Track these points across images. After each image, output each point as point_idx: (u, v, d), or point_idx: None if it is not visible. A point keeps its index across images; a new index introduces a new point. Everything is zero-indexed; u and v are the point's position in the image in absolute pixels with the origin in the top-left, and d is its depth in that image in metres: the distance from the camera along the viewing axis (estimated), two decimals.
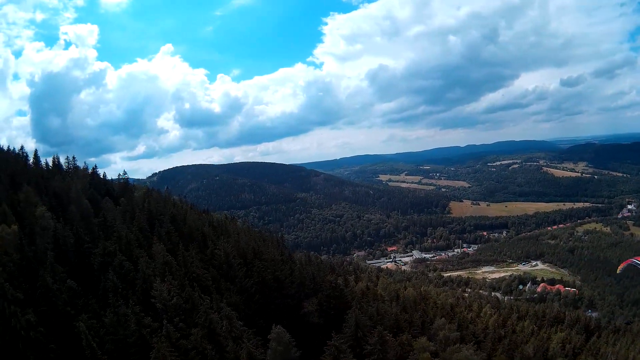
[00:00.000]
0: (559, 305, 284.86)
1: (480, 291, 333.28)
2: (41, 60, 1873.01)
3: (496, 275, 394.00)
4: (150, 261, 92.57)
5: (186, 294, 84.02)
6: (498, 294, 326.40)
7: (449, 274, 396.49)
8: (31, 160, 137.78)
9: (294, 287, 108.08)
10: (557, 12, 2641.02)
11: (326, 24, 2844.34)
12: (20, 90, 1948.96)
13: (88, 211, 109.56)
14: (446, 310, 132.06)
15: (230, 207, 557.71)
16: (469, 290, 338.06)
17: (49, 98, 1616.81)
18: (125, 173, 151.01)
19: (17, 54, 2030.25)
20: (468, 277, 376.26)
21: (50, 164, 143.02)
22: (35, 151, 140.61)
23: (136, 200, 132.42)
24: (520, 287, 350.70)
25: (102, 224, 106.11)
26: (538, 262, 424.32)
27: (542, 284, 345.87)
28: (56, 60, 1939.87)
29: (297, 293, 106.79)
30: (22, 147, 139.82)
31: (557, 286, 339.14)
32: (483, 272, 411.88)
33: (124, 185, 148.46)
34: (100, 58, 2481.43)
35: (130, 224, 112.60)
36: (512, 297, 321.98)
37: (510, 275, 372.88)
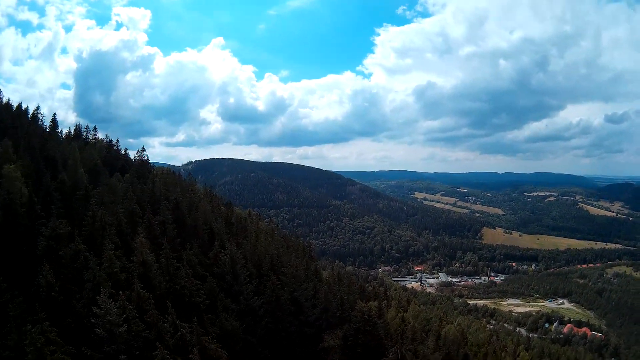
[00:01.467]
0: (584, 349, 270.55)
1: (505, 325, 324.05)
2: (91, 38, 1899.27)
3: (521, 309, 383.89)
4: (116, 259, 70.52)
5: (153, 318, 61.31)
6: (523, 330, 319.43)
7: (474, 302, 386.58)
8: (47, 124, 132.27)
9: (315, 312, 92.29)
10: (609, 45, 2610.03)
11: (379, 34, 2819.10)
12: (67, 64, 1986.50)
13: (81, 182, 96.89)
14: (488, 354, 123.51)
15: (261, 205, 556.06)
16: (493, 322, 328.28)
17: (95, 75, 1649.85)
18: (144, 149, 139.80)
19: (68, 28, 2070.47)
20: (494, 308, 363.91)
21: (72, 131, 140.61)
22: (54, 115, 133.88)
23: (154, 183, 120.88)
24: (547, 325, 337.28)
25: (83, 198, 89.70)
26: (565, 301, 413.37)
27: (568, 325, 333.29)
28: (106, 39, 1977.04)
29: (319, 320, 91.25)
30: (37, 108, 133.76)
31: (583, 329, 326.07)
32: (508, 304, 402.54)
33: (141, 163, 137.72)
34: (150, 43, 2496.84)
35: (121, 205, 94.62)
36: (537, 335, 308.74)
37: (538, 312, 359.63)
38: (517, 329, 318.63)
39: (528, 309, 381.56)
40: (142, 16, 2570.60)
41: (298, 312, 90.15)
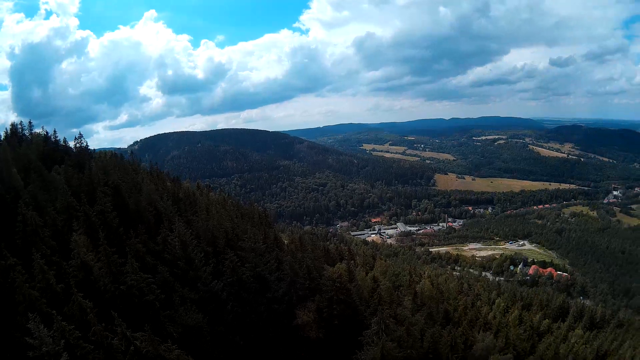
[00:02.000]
0: (552, 290, 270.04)
1: (471, 270, 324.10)
2: (21, 31, 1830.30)
3: (484, 253, 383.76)
4: (48, 269, 57.10)
5: (98, 336, 48.54)
6: (489, 274, 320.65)
7: (435, 249, 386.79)
8: None
9: (282, 286, 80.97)
10: None
11: None
12: (0, 64, 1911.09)
13: (17, 185, 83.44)
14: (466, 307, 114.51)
15: (211, 175, 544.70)
16: (458, 268, 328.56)
17: (30, 69, 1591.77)
18: (81, 136, 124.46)
19: None
20: (457, 254, 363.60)
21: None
22: None
23: (91, 169, 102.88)
24: (512, 267, 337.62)
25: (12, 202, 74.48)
26: (525, 242, 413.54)
27: (533, 266, 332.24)
28: (37, 30, 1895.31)
29: (287, 295, 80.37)
30: None
31: (548, 269, 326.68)
32: (470, 249, 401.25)
33: (79, 150, 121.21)
34: (82, 27, 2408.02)
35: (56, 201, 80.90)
36: (503, 278, 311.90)
37: (501, 255, 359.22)
38: (483, 273, 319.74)
39: (490, 253, 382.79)
40: (71, 0, 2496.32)
41: (264, 290, 79.29)
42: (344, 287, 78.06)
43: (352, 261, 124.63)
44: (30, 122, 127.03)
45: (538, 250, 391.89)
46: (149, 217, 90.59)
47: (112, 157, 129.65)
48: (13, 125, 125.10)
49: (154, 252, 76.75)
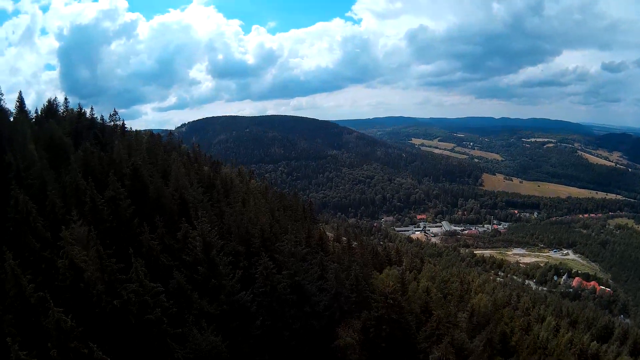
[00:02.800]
0: (593, 305, 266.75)
1: (514, 277, 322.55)
2: (70, 13, 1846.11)
3: (527, 260, 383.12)
4: (23, 274, 45.81)
5: None
6: (532, 282, 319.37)
7: (479, 252, 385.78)
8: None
9: (324, 299, 70.81)
10: None
11: None
12: (49, 44, 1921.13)
13: (31, 160, 77.63)
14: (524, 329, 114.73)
15: (258, 161, 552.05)
16: (502, 273, 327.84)
17: (78, 50, 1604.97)
18: (115, 113, 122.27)
19: (45, 8, 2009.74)
20: (502, 260, 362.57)
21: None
22: (19, 93, 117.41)
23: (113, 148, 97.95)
24: (555, 278, 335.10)
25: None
26: (569, 252, 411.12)
27: (577, 278, 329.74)
28: (85, 12, 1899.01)
29: (330, 309, 70.43)
30: None
31: (592, 283, 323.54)
32: (514, 254, 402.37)
33: (114, 129, 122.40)
34: (131, 9, 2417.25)
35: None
36: (546, 288, 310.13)
37: (546, 264, 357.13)
38: (526, 281, 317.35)
39: (534, 260, 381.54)
40: None
41: (302, 302, 68.01)
42: (397, 305, 69.71)
43: (402, 268, 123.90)
44: (66, 99, 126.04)
45: (581, 261, 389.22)
46: (172, 207, 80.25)
47: (149, 137, 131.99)
48: (49, 101, 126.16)
49: (171, 251, 66.20)
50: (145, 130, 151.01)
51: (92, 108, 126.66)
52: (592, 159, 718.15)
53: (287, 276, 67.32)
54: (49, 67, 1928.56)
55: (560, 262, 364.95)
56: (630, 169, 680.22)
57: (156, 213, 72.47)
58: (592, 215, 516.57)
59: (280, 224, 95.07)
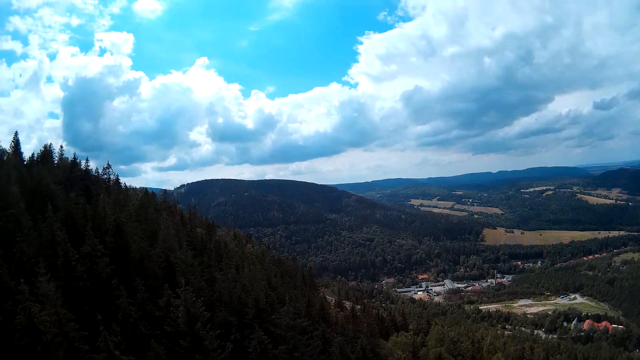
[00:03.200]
0: (607, 344, 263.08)
1: (522, 328, 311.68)
2: (75, 65, 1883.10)
3: (534, 310, 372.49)
4: None
5: None
6: (541, 332, 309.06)
7: (485, 307, 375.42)
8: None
9: None
10: (591, 31, 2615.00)
11: (361, 43, 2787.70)
12: (54, 93, 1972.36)
13: (10, 203, 69.61)
14: None
15: (257, 224, 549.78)
16: (509, 326, 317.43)
17: (82, 102, 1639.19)
18: (109, 166, 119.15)
19: (52, 57, 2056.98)
20: (508, 312, 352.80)
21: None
22: (15, 134, 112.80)
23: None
24: (565, 323, 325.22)
25: None
26: (577, 295, 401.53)
27: (587, 321, 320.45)
28: (90, 66, 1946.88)
29: None
30: None
31: (603, 323, 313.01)
32: (520, 306, 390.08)
33: (106, 182, 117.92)
34: (134, 67, 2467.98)
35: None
36: (556, 336, 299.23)
37: (554, 311, 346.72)
38: (535, 331, 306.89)
39: (541, 309, 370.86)
40: (125, 40, 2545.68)
41: None
42: None
43: (409, 332, 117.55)
44: (61, 147, 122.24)
45: (590, 303, 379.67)
46: (156, 270, 72.54)
47: (143, 194, 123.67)
48: (45, 147, 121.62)
49: (152, 319, 57.86)
50: (140, 187, 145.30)
51: (87, 159, 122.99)
52: (592, 199, 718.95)
53: (285, 351, 60.33)
54: (52, 115, 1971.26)
55: (569, 308, 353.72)
56: (630, 203, 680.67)
57: (138, 275, 64.98)
58: (597, 255, 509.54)
59: (278, 291, 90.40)
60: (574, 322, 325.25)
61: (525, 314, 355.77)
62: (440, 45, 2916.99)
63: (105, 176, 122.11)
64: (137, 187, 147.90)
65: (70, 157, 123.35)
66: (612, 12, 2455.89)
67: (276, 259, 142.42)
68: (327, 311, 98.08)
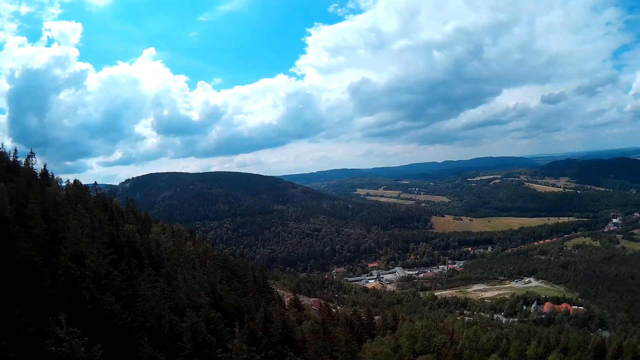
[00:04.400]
0: (570, 326, 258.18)
1: (482, 313, 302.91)
2: (22, 55, 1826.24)
3: (489, 294, 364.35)
4: None
5: None
6: (500, 316, 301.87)
7: (439, 293, 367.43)
8: None
9: None
10: (544, 30, 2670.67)
11: (310, 34, 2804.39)
12: (0, 86, 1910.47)
13: None
14: None
15: (203, 217, 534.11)
16: (467, 312, 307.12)
17: (28, 96, 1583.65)
18: (32, 154, 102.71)
19: None
20: (465, 298, 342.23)
21: None
22: None
23: None
24: (524, 307, 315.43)
25: None
26: (531, 279, 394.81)
27: (547, 303, 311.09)
28: (38, 56, 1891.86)
29: None
30: None
31: (563, 305, 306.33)
32: (474, 291, 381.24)
33: (28, 172, 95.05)
34: (81, 58, 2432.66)
35: None
36: (517, 319, 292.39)
37: (512, 295, 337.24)
38: (495, 315, 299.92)
39: (496, 293, 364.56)
40: (73, 30, 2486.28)
41: None
42: None
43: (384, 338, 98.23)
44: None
45: (545, 286, 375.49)
46: (48, 289, 49.14)
47: (71, 186, 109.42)
48: None
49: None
50: (91, 185, 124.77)
51: (15, 150, 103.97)
52: (540, 187, 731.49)
53: None
54: None
55: (527, 292, 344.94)
56: (579, 191, 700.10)
57: (25, 298, 44.84)
58: (548, 240, 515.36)
59: (225, 302, 74.20)
60: (533, 305, 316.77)
61: (482, 299, 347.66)
62: (390, 38, 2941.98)
63: (27, 165, 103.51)
64: (82, 183, 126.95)
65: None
66: (566, 13, 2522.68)
67: (222, 257, 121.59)
68: (291, 328, 72.15)
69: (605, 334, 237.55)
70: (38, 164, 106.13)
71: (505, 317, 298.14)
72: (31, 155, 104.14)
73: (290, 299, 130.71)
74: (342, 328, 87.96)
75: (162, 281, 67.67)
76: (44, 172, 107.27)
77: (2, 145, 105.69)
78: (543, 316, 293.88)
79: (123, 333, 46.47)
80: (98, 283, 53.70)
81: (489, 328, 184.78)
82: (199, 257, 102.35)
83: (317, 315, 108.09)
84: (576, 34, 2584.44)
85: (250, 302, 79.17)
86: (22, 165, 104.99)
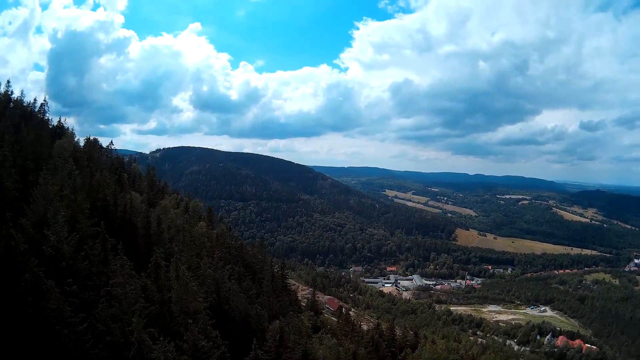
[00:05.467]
0: None
1: (494, 337, 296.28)
2: (67, 17, 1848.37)
3: (504, 317, 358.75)
4: None
5: None
6: (513, 342, 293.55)
7: (454, 308, 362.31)
8: None
9: None
10: (591, 53, 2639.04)
11: (357, 28, 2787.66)
12: (42, 44, 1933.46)
13: None
14: None
15: (229, 197, 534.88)
16: (480, 333, 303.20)
17: (69, 57, 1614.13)
18: (46, 102, 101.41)
19: (44, 6, 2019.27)
20: (480, 318, 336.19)
21: None
22: None
23: None
24: (538, 337, 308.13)
25: None
26: (547, 308, 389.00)
27: (561, 337, 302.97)
28: (82, 19, 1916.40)
29: None
30: None
31: (577, 341, 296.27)
32: (489, 311, 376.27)
33: (43, 122, 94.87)
34: (126, 25, 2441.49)
35: None
36: (528, 348, 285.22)
37: (528, 323, 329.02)
38: (507, 341, 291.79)
39: (511, 317, 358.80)
40: None
41: None
42: None
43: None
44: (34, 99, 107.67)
45: (560, 317, 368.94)
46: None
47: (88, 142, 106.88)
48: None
49: None
50: (122, 150, 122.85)
51: (35, 99, 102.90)
52: (567, 215, 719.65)
53: None
54: (38, 68, 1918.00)
55: (544, 322, 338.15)
56: (605, 225, 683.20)
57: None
58: (568, 270, 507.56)
59: (232, 306, 64.00)
60: (547, 336, 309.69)
61: (497, 321, 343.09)
62: (437, 41, 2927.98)
63: (40, 114, 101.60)
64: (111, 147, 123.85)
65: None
66: (616, 39, 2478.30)
67: (237, 246, 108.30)
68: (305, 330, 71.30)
69: None
70: (68, 122, 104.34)
71: (518, 345, 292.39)
72: (44, 103, 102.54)
73: (308, 300, 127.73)
74: (365, 350, 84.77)
75: (161, 277, 57.19)
76: (59, 124, 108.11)
77: (22, 93, 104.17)
78: (555, 349, 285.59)
79: (68, 348, 37.34)
80: (56, 265, 44.96)
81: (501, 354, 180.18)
82: (210, 241, 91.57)
83: (334, 321, 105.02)
84: (623, 62, 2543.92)
85: (264, 309, 71.57)
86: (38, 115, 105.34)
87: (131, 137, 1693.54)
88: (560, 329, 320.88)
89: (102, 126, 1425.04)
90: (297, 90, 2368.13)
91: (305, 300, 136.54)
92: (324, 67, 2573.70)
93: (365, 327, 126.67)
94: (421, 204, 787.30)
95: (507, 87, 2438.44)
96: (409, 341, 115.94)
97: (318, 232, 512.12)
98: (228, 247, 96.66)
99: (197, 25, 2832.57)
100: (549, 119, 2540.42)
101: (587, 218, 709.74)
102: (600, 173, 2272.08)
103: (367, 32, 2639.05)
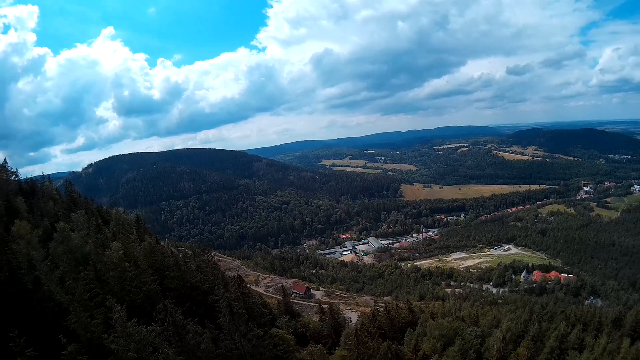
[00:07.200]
0: (563, 295, 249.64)
1: (469, 284, 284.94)
2: None
3: (470, 262, 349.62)
4: None
5: None
6: (489, 286, 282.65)
7: (419, 263, 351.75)
8: None
9: None
10: (511, 3, 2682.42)
11: (271, 6, 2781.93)
12: None
13: None
14: None
15: (168, 197, 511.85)
16: (454, 283, 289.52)
17: None
18: None
19: None
20: (450, 268, 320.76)
21: None
22: None
23: None
24: (514, 276, 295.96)
25: None
26: (510, 246, 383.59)
27: (536, 272, 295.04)
28: None
29: None
30: None
31: (552, 273, 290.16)
32: (454, 259, 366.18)
33: None
34: (39, 43, 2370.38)
35: None
36: (507, 289, 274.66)
37: (499, 264, 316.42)
38: (484, 286, 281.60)
39: (477, 261, 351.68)
40: (30, 14, 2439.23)
41: None
42: None
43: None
44: None
45: (526, 253, 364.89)
46: None
47: None
48: None
49: None
50: (55, 174, 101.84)
51: None
52: (508, 155, 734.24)
53: None
54: None
55: (514, 260, 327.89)
56: (548, 160, 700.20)
57: None
58: (521, 207, 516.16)
59: None
60: (522, 274, 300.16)
61: (467, 269, 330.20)
62: (353, 8, 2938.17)
63: None
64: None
65: None
66: None
67: (172, 262, 71.51)
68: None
69: (599, 302, 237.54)
70: None
71: (495, 288, 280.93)
72: None
73: (278, 302, 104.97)
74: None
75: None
76: None
77: None
78: (534, 285, 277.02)
79: None
80: None
81: (486, 305, 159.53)
82: (136, 264, 61.10)
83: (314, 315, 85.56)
84: (544, 8, 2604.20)
85: None
86: None
87: (62, 159, 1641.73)
88: (532, 264, 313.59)
89: (32, 154, 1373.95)
90: (218, 78, 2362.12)
91: (270, 289, 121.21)
92: (242, 51, 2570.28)
93: (353, 317, 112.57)
94: (360, 167, 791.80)
95: (429, 43, 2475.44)
96: (404, 318, 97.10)
97: (264, 214, 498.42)
98: (160, 269, 68.12)
99: (109, 30, 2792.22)
100: (475, 69, 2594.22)
101: (528, 156, 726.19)
102: (533, 113, 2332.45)
103: (281, 8, 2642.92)
